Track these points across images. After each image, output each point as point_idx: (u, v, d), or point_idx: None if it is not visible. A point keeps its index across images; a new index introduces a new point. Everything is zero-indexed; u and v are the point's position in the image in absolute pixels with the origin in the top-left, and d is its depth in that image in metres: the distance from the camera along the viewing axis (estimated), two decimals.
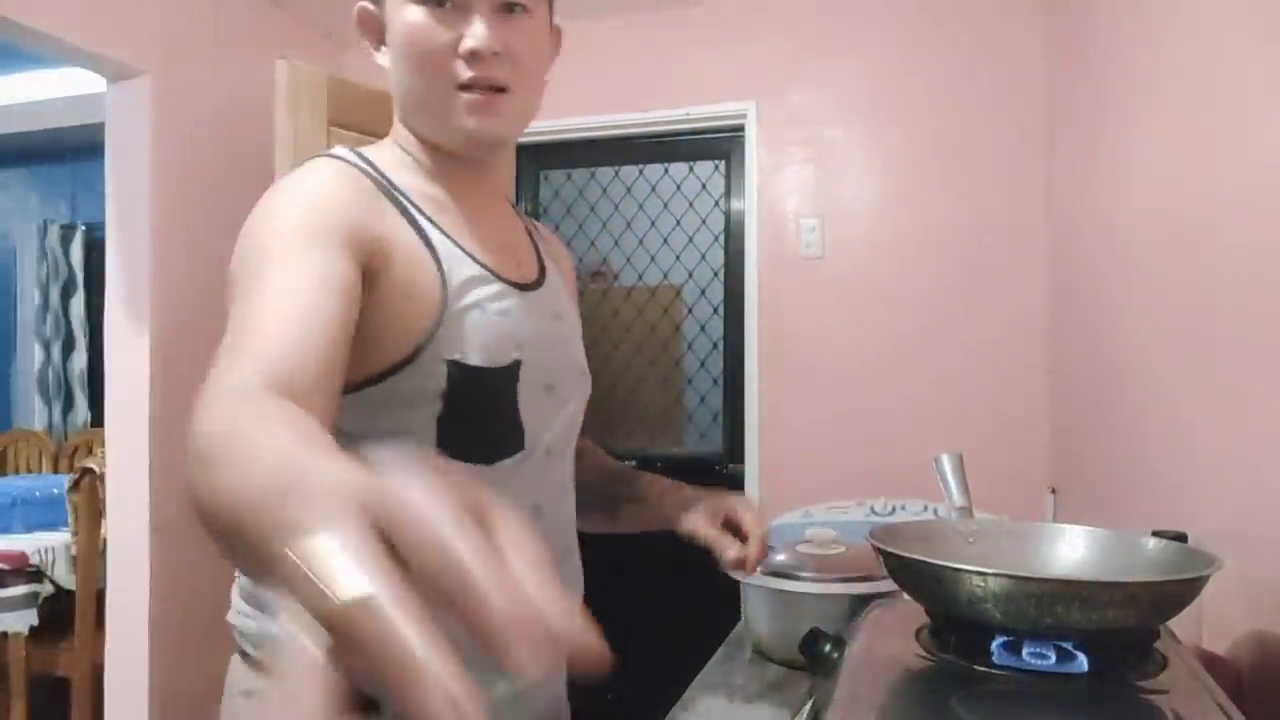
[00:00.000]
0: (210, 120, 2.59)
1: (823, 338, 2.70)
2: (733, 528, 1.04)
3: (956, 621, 0.90)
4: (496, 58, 0.85)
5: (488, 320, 0.87)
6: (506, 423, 0.89)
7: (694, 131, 2.89)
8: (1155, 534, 1.09)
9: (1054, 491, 2.32)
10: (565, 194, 3.19)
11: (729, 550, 1.00)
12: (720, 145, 2.91)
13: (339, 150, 0.91)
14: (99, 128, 2.51)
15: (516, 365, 0.88)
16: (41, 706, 2.91)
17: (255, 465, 0.44)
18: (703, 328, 3.05)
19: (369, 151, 0.92)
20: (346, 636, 0.29)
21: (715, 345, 2.99)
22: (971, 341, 2.57)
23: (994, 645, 0.85)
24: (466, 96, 0.87)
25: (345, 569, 0.30)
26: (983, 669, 0.83)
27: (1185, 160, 1.29)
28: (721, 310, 2.96)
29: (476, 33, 0.85)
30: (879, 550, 0.94)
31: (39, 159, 4.67)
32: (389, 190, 0.88)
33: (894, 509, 2.13)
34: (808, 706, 0.96)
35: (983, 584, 0.82)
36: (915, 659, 0.88)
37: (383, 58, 0.92)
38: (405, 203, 0.88)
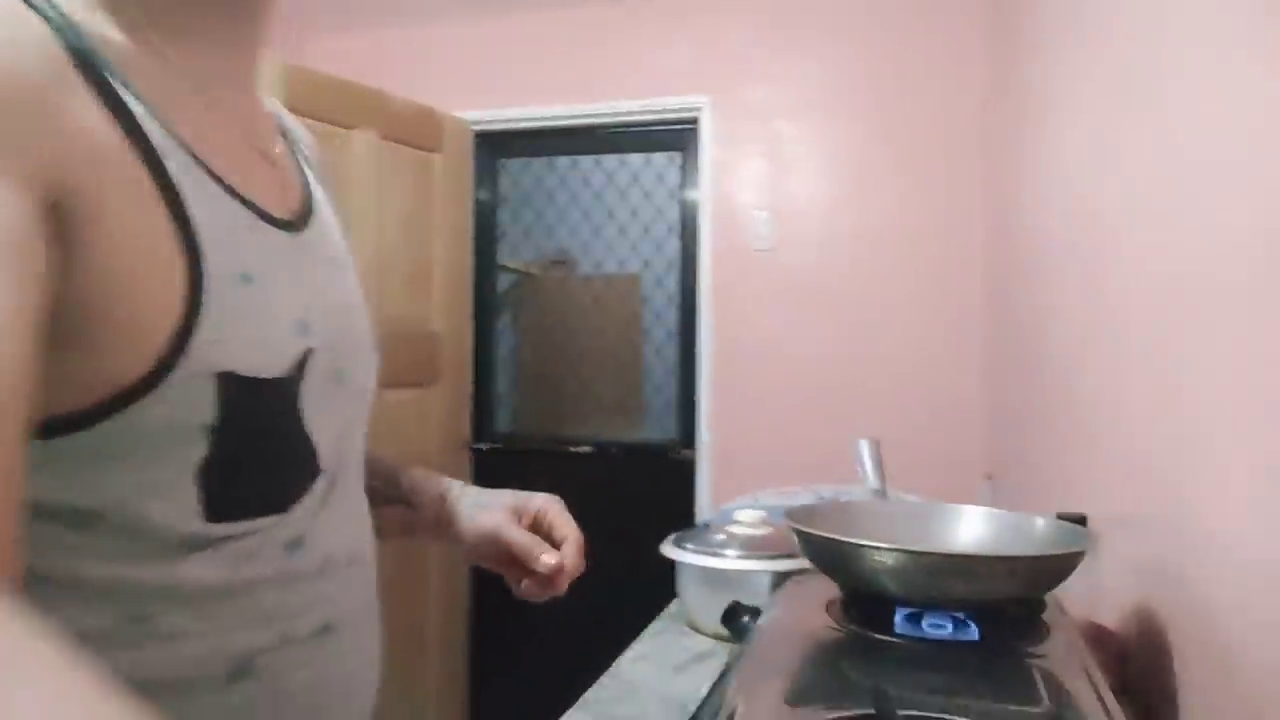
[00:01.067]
0: None
1: (772, 328, 2.77)
2: (543, 532, 0.83)
3: (861, 594, 0.97)
4: None
5: (262, 297, 0.56)
6: (293, 444, 0.60)
7: (650, 123, 2.94)
8: (1059, 516, 1.17)
9: (989, 478, 2.42)
10: (523, 182, 3.23)
11: (544, 556, 0.79)
12: (676, 137, 2.96)
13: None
14: None
15: (303, 361, 0.59)
16: None
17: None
18: (658, 316, 3.11)
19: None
20: None
21: (670, 334, 3.06)
22: (913, 333, 2.66)
23: (897, 617, 0.93)
24: None
25: None
26: (883, 638, 0.90)
27: (1093, 160, 1.37)
28: (677, 300, 3.02)
29: None
30: (791, 528, 1.01)
31: None
32: (83, 56, 0.50)
33: (839, 494, 2.21)
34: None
35: (879, 558, 0.89)
36: (824, 629, 0.95)
37: None
38: (114, 83, 0.51)
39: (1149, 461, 1.08)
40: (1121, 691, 1.09)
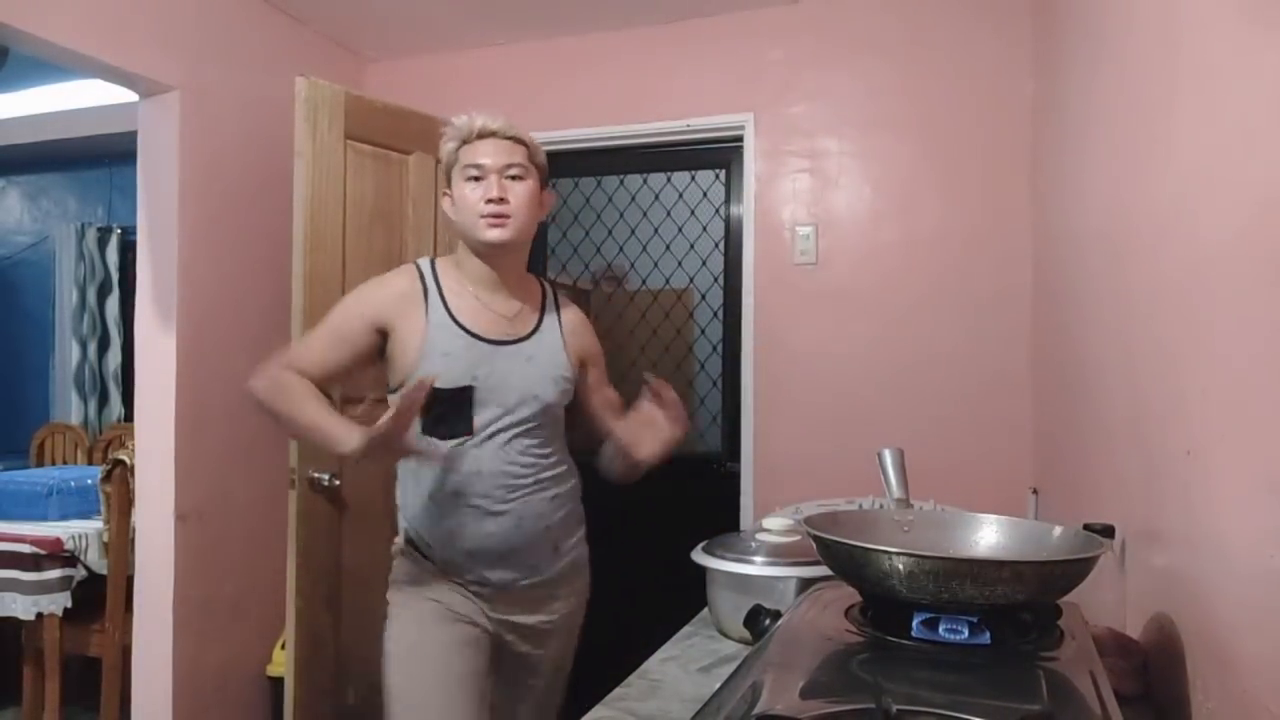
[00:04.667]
0: (235, 133, 2.74)
1: (815, 342, 2.79)
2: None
3: (879, 599, 1.00)
4: (503, 201, 1.57)
5: (452, 363, 1.54)
6: (462, 419, 1.55)
7: (695, 142, 2.99)
8: (1085, 526, 1.18)
9: (1035, 492, 2.40)
10: (573, 201, 3.31)
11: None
12: (720, 155, 3.01)
13: (423, 261, 1.67)
14: (134, 135, 2.65)
15: (470, 388, 1.54)
16: (73, 685, 3.07)
17: (303, 406, 1.52)
18: (703, 331, 3.15)
19: (445, 260, 1.67)
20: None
21: (715, 348, 3.10)
22: (958, 347, 2.65)
23: (914, 621, 0.95)
24: (486, 220, 1.57)
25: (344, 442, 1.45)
26: (898, 641, 0.93)
27: (1125, 173, 1.38)
28: (721, 314, 3.06)
29: (490, 190, 1.58)
30: (810, 534, 1.04)
31: (77, 164, 4.87)
32: (427, 288, 1.60)
33: (880, 505, 2.22)
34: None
35: (890, 562, 0.92)
36: (841, 632, 0.98)
37: (451, 211, 1.64)
38: (435, 295, 1.59)
39: (1163, 474, 1.10)
40: (1144, 699, 1.10)
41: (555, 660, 1.71)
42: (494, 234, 1.56)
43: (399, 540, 1.67)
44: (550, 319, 1.68)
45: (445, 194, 1.66)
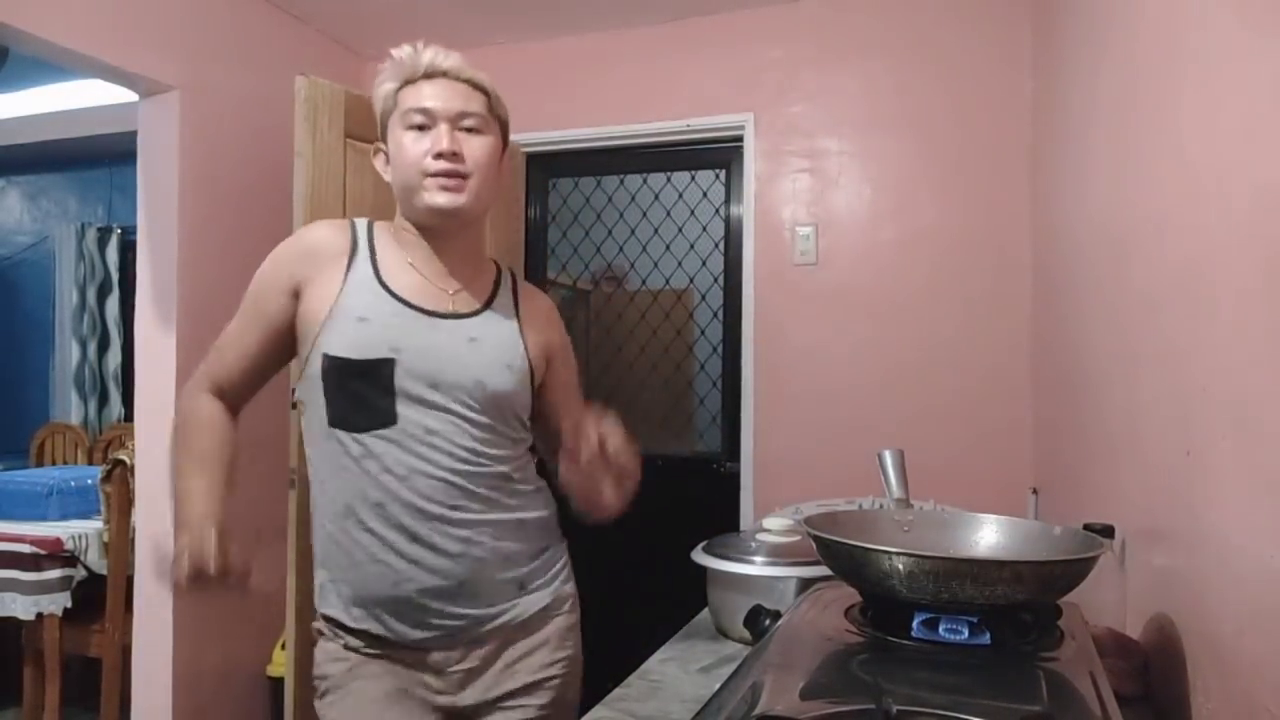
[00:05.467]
0: (235, 133, 2.74)
1: (815, 342, 2.79)
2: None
3: (878, 599, 1.00)
4: (455, 156, 1.23)
5: (368, 328, 1.21)
6: (381, 403, 1.19)
7: (695, 142, 2.99)
8: (1085, 526, 1.18)
9: (1035, 492, 2.40)
10: (573, 201, 3.31)
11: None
12: (720, 154, 3.01)
13: (360, 220, 1.32)
14: (134, 135, 2.65)
15: (390, 360, 1.19)
16: (73, 685, 3.07)
17: (185, 463, 1.25)
18: (703, 331, 3.15)
19: (382, 222, 1.33)
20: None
21: (715, 349, 3.10)
22: (959, 348, 2.65)
23: (914, 621, 0.95)
24: (434, 180, 1.23)
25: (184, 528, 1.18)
26: (898, 641, 0.93)
27: (1125, 172, 1.38)
28: (721, 314, 3.06)
29: (440, 139, 1.23)
30: (809, 534, 1.04)
31: (77, 164, 4.87)
32: (356, 244, 1.28)
33: (880, 505, 2.22)
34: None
35: (890, 562, 0.92)
36: (841, 632, 0.98)
37: (385, 171, 1.30)
38: (365, 252, 1.27)
39: (1163, 474, 1.10)
40: (1144, 699, 1.10)
41: None
42: (443, 199, 1.22)
43: (316, 616, 1.29)
44: (504, 299, 1.34)
45: (379, 149, 1.31)
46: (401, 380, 1.19)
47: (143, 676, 2.61)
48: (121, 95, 2.66)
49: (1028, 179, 2.57)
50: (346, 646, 1.23)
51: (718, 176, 3.08)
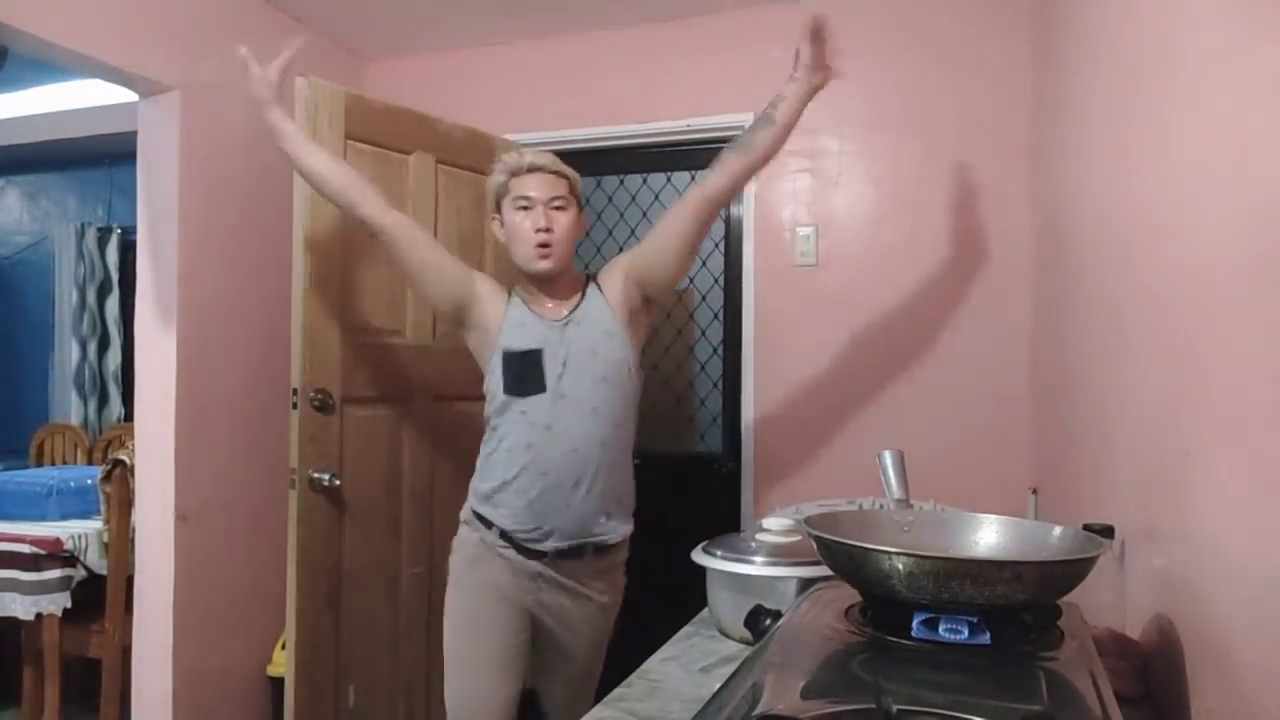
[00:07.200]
0: (234, 133, 2.74)
1: (815, 343, 2.79)
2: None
3: (878, 599, 1.00)
4: (549, 231, 1.86)
5: (523, 332, 1.88)
6: (533, 377, 1.83)
7: (696, 142, 2.99)
8: (1085, 527, 1.18)
9: (1035, 492, 2.41)
10: None
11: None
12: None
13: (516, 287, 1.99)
14: (134, 135, 2.66)
15: (539, 351, 1.85)
16: (73, 685, 3.07)
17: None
18: (703, 332, 3.15)
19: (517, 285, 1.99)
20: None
21: (715, 349, 3.10)
22: (958, 348, 2.66)
23: (914, 621, 0.95)
24: (536, 251, 1.87)
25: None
26: (898, 641, 0.93)
27: (1124, 173, 1.38)
28: (721, 315, 3.06)
29: (539, 220, 1.86)
30: (809, 534, 1.04)
31: (77, 164, 4.87)
32: (511, 292, 1.95)
33: (880, 505, 2.23)
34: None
35: (890, 562, 0.93)
36: (841, 632, 0.98)
37: (500, 233, 1.95)
38: (514, 295, 1.94)
39: (1161, 474, 1.10)
40: (1143, 699, 1.10)
41: (588, 651, 1.95)
42: (543, 265, 1.86)
43: (465, 507, 1.93)
44: (591, 289, 1.94)
45: (494, 218, 1.95)
46: (547, 364, 1.83)
47: (143, 677, 2.62)
48: (121, 95, 2.66)
49: (1027, 179, 2.57)
50: (487, 524, 1.89)
51: None
